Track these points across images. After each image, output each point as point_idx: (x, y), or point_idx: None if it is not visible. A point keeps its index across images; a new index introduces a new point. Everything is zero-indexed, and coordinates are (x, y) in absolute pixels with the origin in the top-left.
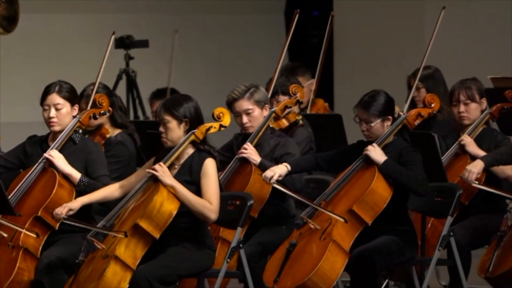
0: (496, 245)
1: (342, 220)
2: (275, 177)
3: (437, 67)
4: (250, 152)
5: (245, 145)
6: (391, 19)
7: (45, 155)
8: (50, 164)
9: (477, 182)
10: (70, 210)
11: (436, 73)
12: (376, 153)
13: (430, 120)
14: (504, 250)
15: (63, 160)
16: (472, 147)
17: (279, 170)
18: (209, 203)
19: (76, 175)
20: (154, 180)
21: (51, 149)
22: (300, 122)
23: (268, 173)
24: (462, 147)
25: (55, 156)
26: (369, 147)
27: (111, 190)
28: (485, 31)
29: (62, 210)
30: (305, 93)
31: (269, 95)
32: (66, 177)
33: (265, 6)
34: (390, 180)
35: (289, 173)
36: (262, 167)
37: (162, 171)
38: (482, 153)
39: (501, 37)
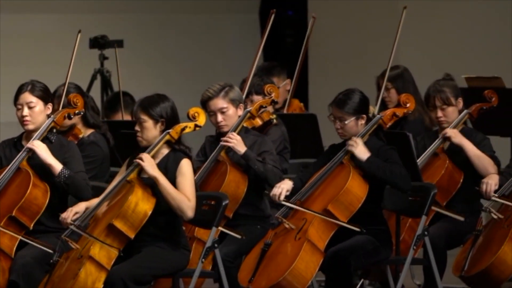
0: (471, 244)
1: (322, 216)
2: (284, 193)
3: (405, 67)
4: (235, 141)
5: (229, 134)
6: (366, 20)
7: (28, 145)
8: (32, 154)
9: (496, 195)
10: (76, 213)
11: (405, 73)
12: (360, 150)
13: (401, 121)
14: (479, 250)
15: (46, 150)
16: (458, 138)
17: (285, 185)
18: (187, 199)
19: (57, 166)
20: (128, 181)
21: (33, 139)
22: (274, 121)
23: (275, 190)
24: (446, 140)
25: (38, 146)
26: (351, 142)
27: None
28: (458, 31)
29: (68, 214)
30: (281, 93)
31: (244, 95)
32: (41, 176)
33: (240, 5)
34: (365, 179)
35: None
36: (246, 158)
37: (147, 160)
38: (467, 142)
39: (474, 37)
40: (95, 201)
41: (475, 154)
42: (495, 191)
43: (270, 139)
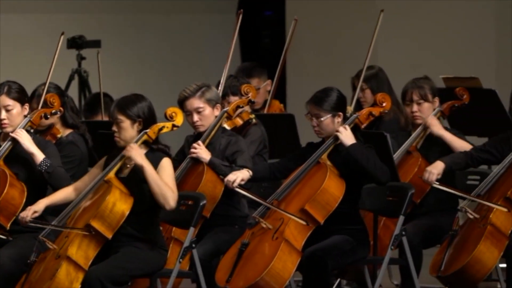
0: (448, 244)
1: (303, 223)
2: (238, 181)
3: (380, 67)
4: (199, 151)
5: (195, 144)
6: (344, 20)
7: (12, 134)
8: (15, 145)
9: (437, 183)
10: (35, 212)
11: (379, 73)
12: (346, 135)
13: (377, 121)
14: (456, 249)
15: (29, 139)
16: (437, 128)
17: (242, 174)
18: (171, 190)
19: (40, 155)
20: (106, 181)
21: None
22: (253, 121)
23: (231, 177)
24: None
25: (22, 135)
26: (341, 129)
27: (69, 192)
28: (434, 31)
29: (27, 213)
30: (262, 94)
31: (220, 95)
32: (17, 176)
33: (218, 6)
34: (342, 179)
35: (250, 179)
36: (212, 165)
37: (136, 149)
38: (446, 133)
39: (451, 37)
40: (54, 198)
41: (454, 141)
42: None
43: (250, 139)
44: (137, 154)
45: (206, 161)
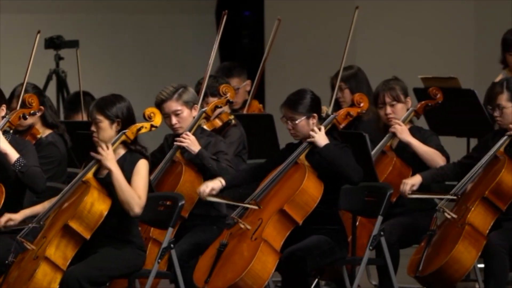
0: (426, 244)
1: (255, 207)
2: (207, 191)
3: (359, 67)
4: (188, 141)
5: (183, 134)
6: (322, 20)
7: None
8: None
9: (413, 195)
10: (10, 220)
11: (359, 73)
12: (319, 136)
13: (355, 121)
14: (434, 249)
15: (3, 139)
16: (404, 135)
17: (212, 183)
18: (138, 197)
19: (14, 154)
20: (84, 182)
21: None
22: (233, 122)
23: (202, 187)
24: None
25: None
26: (314, 131)
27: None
28: (413, 31)
29: (1, 220)
30: (241, 94)
31: (201, 97)
32: None
33: (196, 6)
34: (320, 179)
35: (224, 188)
36: (200, 157)
37: (106, 153)
38: (413, 140)
39: (430, 37)
40: (36, 209)
41: (422, 149)
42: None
43: (230, 140)
44: (106, 157)
45: (195, 152)
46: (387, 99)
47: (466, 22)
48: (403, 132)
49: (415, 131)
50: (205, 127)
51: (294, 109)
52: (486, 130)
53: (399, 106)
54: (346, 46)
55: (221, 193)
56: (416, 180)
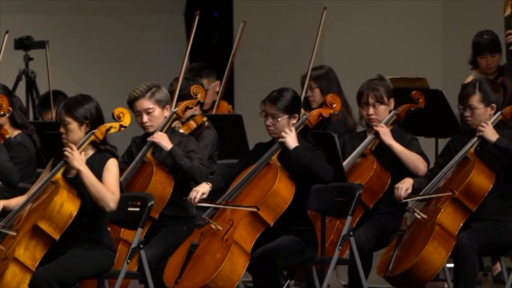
0: (395, 244)
1: (254, 209)
2: (198, 196)
3: (330, 67)
4: (161, 138)
5: (156, 132)
6: (290, 20)
7: None
8: None
9: (407, 200)
10: None
11: (329, 73)
12: (291, 138)
13: (324, 121)
14: (403, 250)
15: None
16: (387, 137)
17: (202, 188)
18: (111, 193)
19: None
20: (53, 182)
21: None
22: (206, 124)
23: (192, 193)
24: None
25: None
26: (285, 132)
27: (23, 198)
28: (380, 32)
29: None
30: (210, 94)
31: (175, 98)
32: None
33: (165, 6)
34: (292, 180)
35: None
36: (173, 154)
37: (72, 154)
38: (395, 143)
39: (399, 37)
40: (14, 201)
41: (403, 153)
42: (415, 193)
43: (204, 142)
44: (74, 158)
45: (167, 149)
46: (370, 100)
47: (433, 22)
48: (386, 135)
49: (396, 135)
50: (181, 131)
51: (276, 105)
52: (454, 130)
53: (382, 107)
54: (314, 46)
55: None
56: (409, 183)
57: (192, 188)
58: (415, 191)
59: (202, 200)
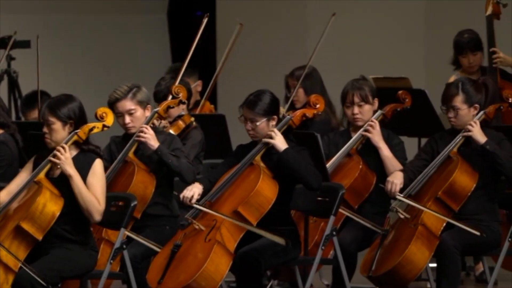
0: (378, 244)
1: (232, 220)
2: (196, 197)
3: (314, 67)
4: (148, 136)
5: (143, 128)
6: (274, 20)
7: None
8: None
9: (401, 195)
10: None
11: (313, 73)
12: (279, 140)
13: (308, 121)
14: (387, 250)
15: None
16: (378, 138)
17: (197, 189)
18: (98, 202)
19: None
20: (36, 182)
21: None
22: (194, 124)
23: (187, 193)
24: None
25: None
26: (272, 134)
27: (3, 195)
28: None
29: None
30: (192, 94)
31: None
32: None
33: (148, 6)
34: (275, 181)
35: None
36: (159, 153)
37: (65, 157)
38: (384, 147)
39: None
40: None
41: (389, 160)
42: (401, 190)
43: (192, 142)
44: (66, 163)
45: (154, 148)
46: (356, 99)
47: (416, 22)
48: (377, 135)
49: (382, 135)
50: (171, 131)
51: (253, 110)
52: (437, 130)
53: (367, 107)
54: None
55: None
56: (401, 178)
57: (186, 188)
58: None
59: (197, 203)
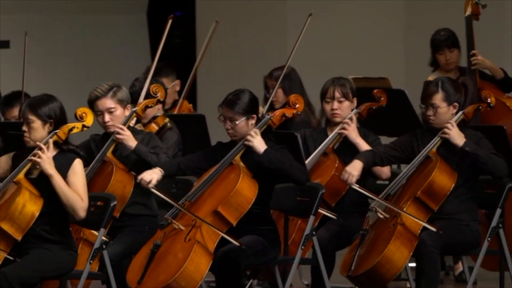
0: (358, 244)
1: (209, 226)
2: (154, 182)
3: (293, 67)
4: (125, 137)
5: (119, 129)
6: (253, 20)
7: None
8: None
9: (357, 186)
10: None
11: (292, 73)
12: (258, 141)
13: (287, 121)
14: (366, 249)
15: None
16: (354, 134)
17: (156, 174)
18: (81, 199)
19: None
20: (15, 182)
21: None
22: (168, 125)
23: (146, 176)
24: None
25: None
26: (251, 135)
27: None
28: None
29: None
30: (170, 94)
31: (143, 97)
32: None
33: (128, 6)
34: (255, 180)
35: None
36: (138, 152)
37: (45, 157)
38: (362, 142)
39: (360, 38)
40: None
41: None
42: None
43: (167, 143)
44: (46, 162)
45: (132, 147)
46: (337, 94)
47: (396, 22)
48: (353, 132)
49: (359, 133)
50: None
51: (233, 109)
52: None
53: (346, 103)
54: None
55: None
56: (359, 167)
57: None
58: (364, 170)
59: (154, 187)
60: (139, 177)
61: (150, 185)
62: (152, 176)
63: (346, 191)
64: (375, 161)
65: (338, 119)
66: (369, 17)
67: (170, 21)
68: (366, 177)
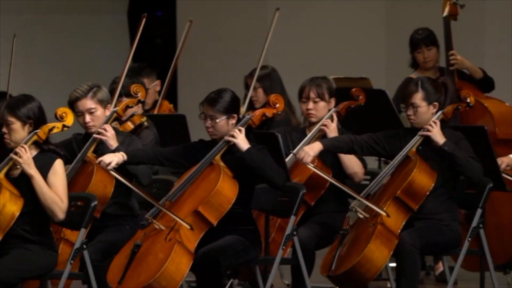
0: (338, 243)
1: (188, 226)
2: (113, 164)
3: (274, 67)
4: (109, 135)
5: (104, 127)
6: (234, 20)
7: None
8: None
9: (312, 165)
10: None
11: (273, 73)
12: (242, 139)
13: (268, 121)
14: (346, 249)
15: None
16: (334, 133)
17: (116, 158)
18: (60, 201)
19: None
20: None
21: None
22: (145, 124)
23: (106, 158)
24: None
25: None
26: (235, 132)
27: None
28: (324, 32)
29: None
30: (151, 94)
31: (116, 97)
32: None
33: (108, 6)
34: (235, 180)
35: (125, 163)
36: (117, 152)
37: (25, 157)
38: None
39: (342, 37)
40: None
41: (345, 156)
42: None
43: (142, 142)
44: (26, 163)
45: (113, 147)
46: (312, 95)
47: (376, 22)
48: (333, 132)
49: (338, 133)
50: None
51: (214, 108)
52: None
53: (322, 104)
54: (264, 46)
55: (121, 167)
56: (316, 148)
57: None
58: (326, 153)
59: (114, 170)
60: (99, 158)
61: (109, 167)
62: (113, 158)
63: (327, 190)
64: (353, 147)
65: (313, 119)
66: (351, 17)
67: (144, 20)
68: (344, 180)
